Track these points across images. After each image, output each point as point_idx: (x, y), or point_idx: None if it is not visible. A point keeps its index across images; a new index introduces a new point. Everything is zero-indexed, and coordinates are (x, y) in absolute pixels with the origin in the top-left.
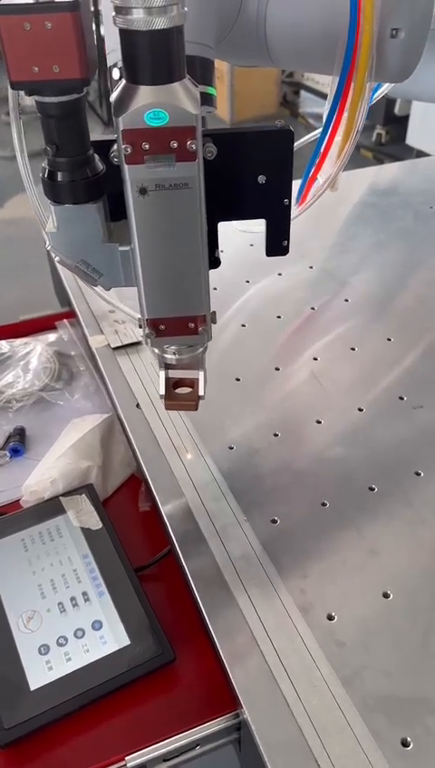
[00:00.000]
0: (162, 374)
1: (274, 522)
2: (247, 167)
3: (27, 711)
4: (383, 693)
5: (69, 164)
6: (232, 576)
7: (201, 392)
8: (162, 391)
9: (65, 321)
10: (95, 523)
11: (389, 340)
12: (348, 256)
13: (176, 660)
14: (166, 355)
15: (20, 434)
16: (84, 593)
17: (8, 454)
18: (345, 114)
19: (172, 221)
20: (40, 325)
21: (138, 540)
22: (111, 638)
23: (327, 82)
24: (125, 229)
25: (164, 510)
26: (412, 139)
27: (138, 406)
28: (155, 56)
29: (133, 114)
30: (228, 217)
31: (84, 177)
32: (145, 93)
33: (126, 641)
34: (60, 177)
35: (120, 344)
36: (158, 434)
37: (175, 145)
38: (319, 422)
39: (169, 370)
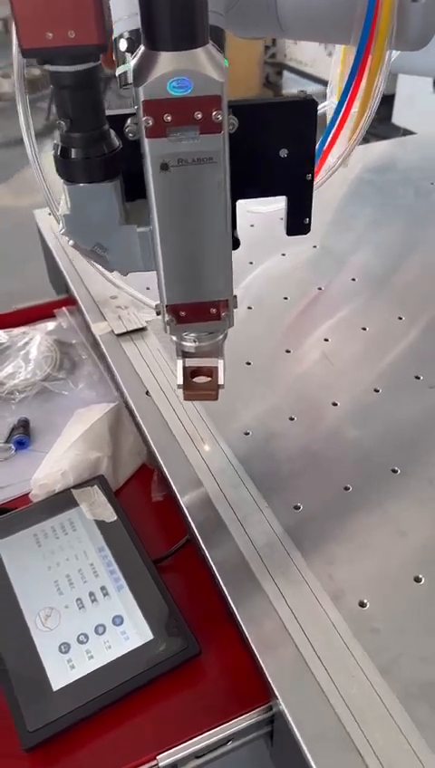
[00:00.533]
0: (180, 363)
1: (296, 508)
2: (269, 140)
3: (51, 712)
4: (423, 679)
5: (83, 139)
6: (257, 564)
7: (221, 381)
8: (180, 381)
9: (64, 308)
10: (109, 515)
11: (400, 318)
12: (351, 235)
13: (201, 654)
14: (184, 343)
15: (24, 426)
16: (103, 588)
17: (13, 447)
18: (363, 84)
19: (195, 198)
20: (37, 314)
21: (152, 531)
22: (133, 633)
23: (309, 61)
24: (141, 210)
25: (182, 499)
26: (398, 117)
27: (147, 393)
28: (177, 18)
29: (155, 83)
30: (247, 195)
31: (100, 154)
32: (166, 60)
33: (149, 636)
34: (73, 153)
35: (124, 330)
36: (170, 421)
37: (199, 116)
38: (335, 404)
39: (186, 359)
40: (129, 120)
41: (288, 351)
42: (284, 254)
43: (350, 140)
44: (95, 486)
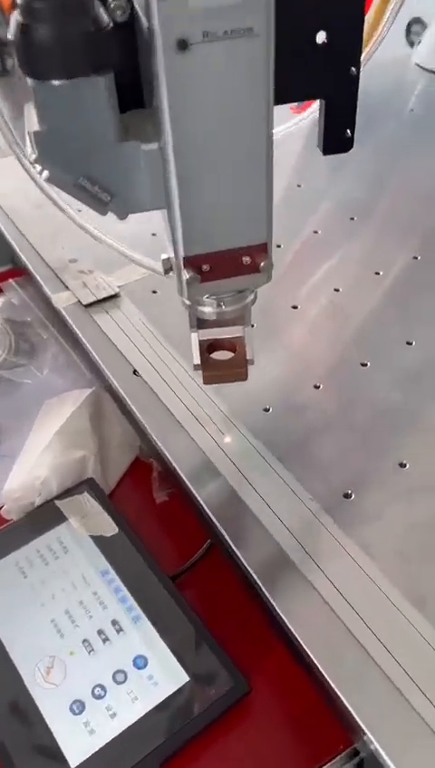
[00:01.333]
0: (195, 336)
1: (347, 496)
2: (304, 19)
3: None
4: None
5: (59, 9)
6: (310, 569)
7: (250, 355)
8: (197, 360)
9: (11, 280)
10: (108, 527)
11: (415, 258)
12: (337, 170)
13: (251, 691)
14: (203, 308)
15: None
16: (114, 621)
17: None
18: None
19: (228, 91)
20: None
21: (162, 540)
22: (162, 676)
23: None
24: (142, 122)
25: (199, 495)
26: None
27: (135, 373)
28: None
29: None
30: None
31: (85, 31)
32: None
33: (183, 678)
34: (43, 32)
35: (93, 299)
36: (170, 404)
37: None
38: (364, 365)
39: (201, 330)
40: None
41: (295, 307)
42: None
43: (376, 34)
44: (85, 493)
